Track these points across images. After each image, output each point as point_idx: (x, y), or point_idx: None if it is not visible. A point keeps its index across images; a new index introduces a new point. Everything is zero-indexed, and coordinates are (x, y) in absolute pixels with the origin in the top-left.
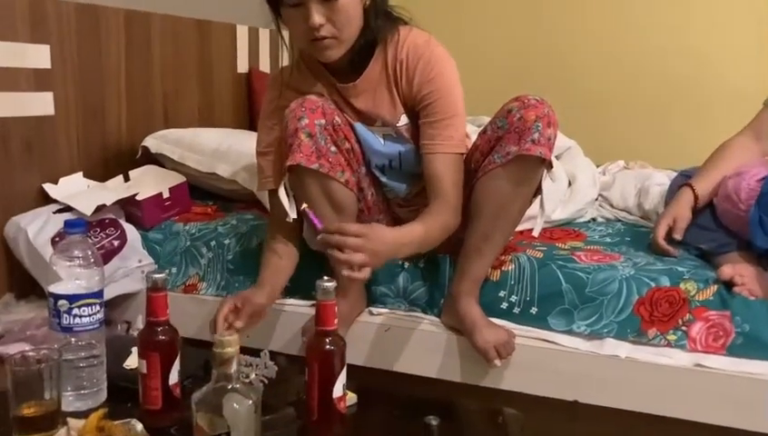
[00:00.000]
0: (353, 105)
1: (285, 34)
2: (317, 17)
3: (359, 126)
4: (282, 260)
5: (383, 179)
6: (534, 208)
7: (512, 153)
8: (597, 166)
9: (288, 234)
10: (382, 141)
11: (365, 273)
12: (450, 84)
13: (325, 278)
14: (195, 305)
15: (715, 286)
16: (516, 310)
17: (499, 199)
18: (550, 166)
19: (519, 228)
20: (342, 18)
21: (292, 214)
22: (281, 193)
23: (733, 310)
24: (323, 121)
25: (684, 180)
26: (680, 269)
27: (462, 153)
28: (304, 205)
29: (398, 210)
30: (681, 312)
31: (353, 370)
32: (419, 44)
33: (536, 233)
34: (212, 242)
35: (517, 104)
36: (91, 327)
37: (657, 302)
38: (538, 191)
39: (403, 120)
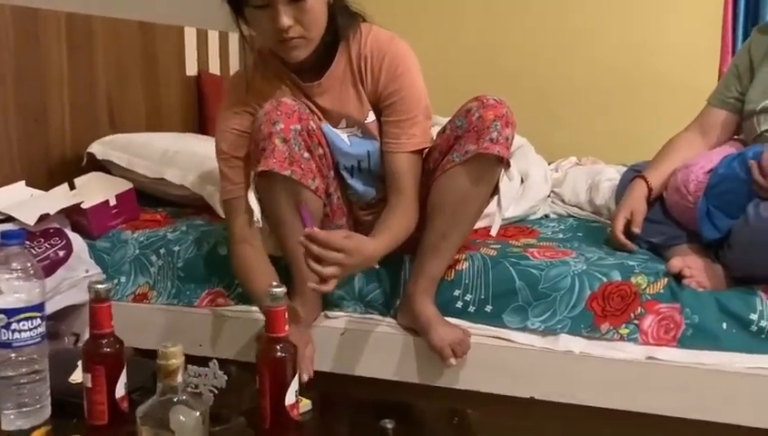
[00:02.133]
0: (318, 104)
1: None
2: (285, 19)
3: (326, 127)
4: (267, 264)
5: (351, 182)
6: (490, 207)
7: (471, 151)
8: (549, 163)
9: (256, 237)
10: (348, 142)
11: (330, 286)
12: (415, 81)
13: (274, 284)
14: (146, 315)
15: (665, 279)
16: (472, 308)
17: (458, 197)
18: (508, 165)
19: (474, 226)
20: (310, 18)
21: (258, 218)
22: (250, 197)
23: (683, 302)
24: (299, 126)
25: (633, 174)
26: (631, 263)
27: (424, 149)
28: (303, 203)
29: (359, 213)
30: (632, 305)
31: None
32: (383, 41)
33: (493, 233)
34: (162, 250)
35: (476, 103)
36: (32, 342)
37: (609, 297)
38: (495, 190)
39: (370, 116)
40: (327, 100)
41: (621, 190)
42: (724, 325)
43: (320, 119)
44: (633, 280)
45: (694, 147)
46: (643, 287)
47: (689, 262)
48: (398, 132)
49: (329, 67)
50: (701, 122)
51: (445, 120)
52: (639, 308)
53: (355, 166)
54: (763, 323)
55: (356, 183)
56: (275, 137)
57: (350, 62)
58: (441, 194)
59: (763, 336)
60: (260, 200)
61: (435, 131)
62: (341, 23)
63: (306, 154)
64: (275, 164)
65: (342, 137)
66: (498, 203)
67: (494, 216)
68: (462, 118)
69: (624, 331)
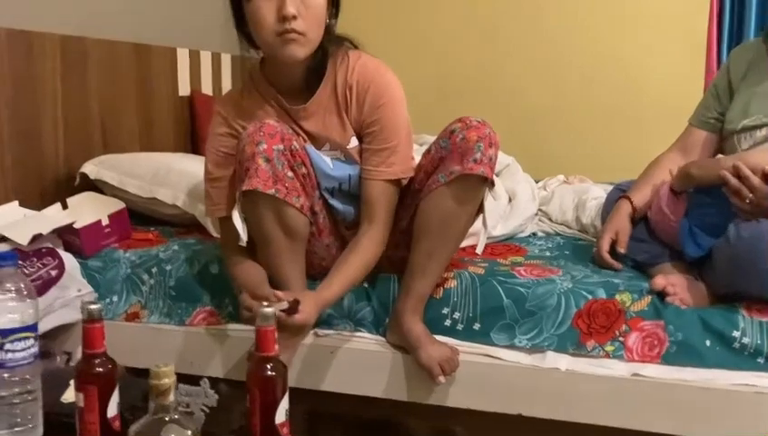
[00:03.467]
0: (303, 127)
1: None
2: (291, 8)
3: (310, 149)
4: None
5: (332, 202)
6: (476, 225)
7: (455, 172)
8: (537, 181)
9: (246, 253)
10: (331, 164)
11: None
12: (397, 112)
13: (264, 303)
14: (138, 334)
15: (649, 297)
16: (460, 326)
17: (443, 217)
18: (492, 185)
19: (462, 244)
20: (312, 15)
21: (244, 238)
22: (235, 217)
23: (667, 319)
24: (281, 146)
25: (618, 193)
26: (615, 281)
27: (401, 179)
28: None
29: (345, 232)
30: (617, 323)
31: (299, 393)
32: (370, 70)
33: (479, 251)
34: (154, 269)
35: (460, 125)
36: (25, 362)
37: (594, 314)
38: (480, 209)
39: (353, 142)
40: (311, 124)
41: (607, 209)
42: (708, 342)
43: (304, 141)
44: (617, 297)
45: (676, 167)
46: (627, 305)
47: (672, 281)
48: (377, 160)
49: (315, 91)
50: (683, 142)
51: (431, 138)
52: (624, 325)
53: (336, 188)
54: (745, 340)
55: (336, 203)
56: (258, 157)
57: (336, 89)
58: (427, 215)
59: (746, 353)
60: (245, 220)
61: (423, 150)
62: (329, 46)
63: (290, 173)
64: (259, 184)
65: (326, 160)
66: (483, 222)
67: (480, 234)
68: (446, 139)
69: (609, 348)
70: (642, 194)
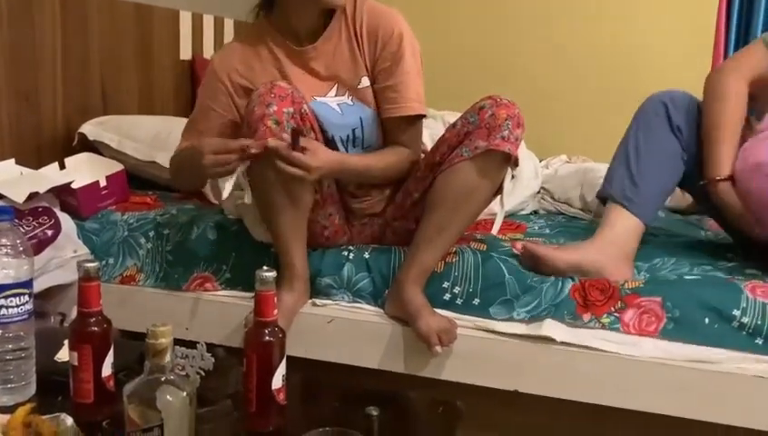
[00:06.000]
0: (312, 68)
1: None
2: None
3: (314, 103)
4: None
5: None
6: (492, 204)
7: (480, 147)
8: (540, 160)
9: None
10: (339, 110)
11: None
12: (409, 46)
13: (264, 268)
14: (132, 296)
15: (645, 275)
16: (459, 301)
17: (461, 192)
18: (516, 164)
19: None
20: None
21: (224, 197)
22: (240, 177)
23: (665, 295)
24: (291, 109)
25: (664, 118)
26: None
27: (422, 115)
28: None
29: (350, 200)
30: (612, 299)
31: (295, 361)
32: (379, 7)
33: (494, 231)
34: (151, 233)
35: (490, 102)
36: (19, 318)
37: (590, 289)
38: (500, 189)
39: (364, 82)
40: (320, 63)
41: (646, 123)
42: (706, 320)
43: (309, 88)
44: None
45: (745, 104)
46: (621, 283)
47: None
48: (396, 96)
49: (324, 30)
50: (749, 63)
51: (437, 113)
52: (619, 302)
53: (350, 136)
54: (744, 320)
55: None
56: (268, 119)
57: (348, 24)
58: (445, 187)
59: (744, 333)
60: (249, 182)
61: (429, 124)
62: None
63: None
64: None
65: (333, 106)
66: (501, 202)
67: (490, 211)
68: (475, 114)
69: (605, 320)
70: (728, 161)
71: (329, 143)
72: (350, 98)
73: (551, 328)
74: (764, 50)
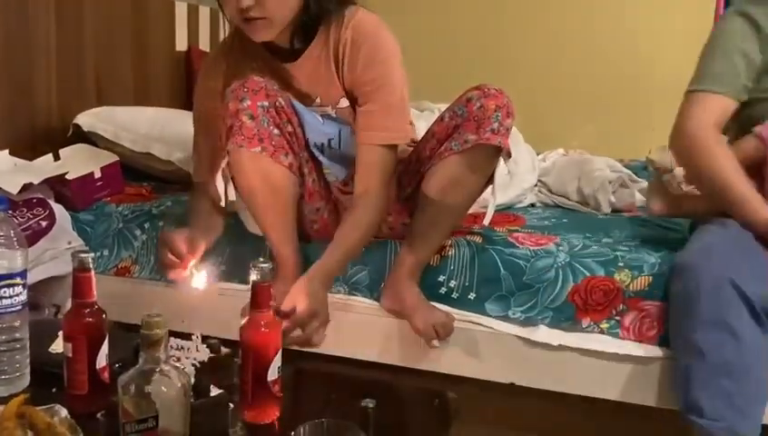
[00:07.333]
0: (292, 85)
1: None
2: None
3: (297, 104)
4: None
5: (322, 159)
6: (483, 195)
7: (470, 141)
8: (537, 154)
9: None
10: (320, 120)
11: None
12: (392, 71)
13: (260, 259)
14: (127, 288)
15: (650, 277)
16: (455, 295)
17: (452, 186)
18: (508, 155)
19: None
20: (272, 0)
21: (224, 201)
22: (218, 179)
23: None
24: (266, 103)
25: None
26: (616, 254)
27: (397, 145)
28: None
29: (339, 195)
30: (615, 301)
31: (291, 354)
32: (366, 25)
33: (486, 222)
34: (146, 225)
35: (478, 92)
36: (12, 309)
37: (592, 291)
38: (491, 180)
39: (343, 103)
40: (301, 81)
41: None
42: None
43: (291, 99)
44: (616, 276)
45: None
46: (626, 283)
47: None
48: (372, 122)
49: (306, 48)
50: (719, 120)
51: (434, 105)
52: (621, 305)
53: (325, 144)
54: None
55: (325, 161)
56: (242, 114)
57: (329, 46)
58: (435, 182)
59: None
60: (233, 178)
61: (425, 116)
62: (318, 6)
63: (276, 131)
64: (244, 141)
65: (315, 113)
66: (493, 193)
67: (485, 203)
68: (462, 107)
69: (604, 325)
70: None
71: (306, 146)
72: (333, 111)
73: (547, 335)
74: (711, 96)
